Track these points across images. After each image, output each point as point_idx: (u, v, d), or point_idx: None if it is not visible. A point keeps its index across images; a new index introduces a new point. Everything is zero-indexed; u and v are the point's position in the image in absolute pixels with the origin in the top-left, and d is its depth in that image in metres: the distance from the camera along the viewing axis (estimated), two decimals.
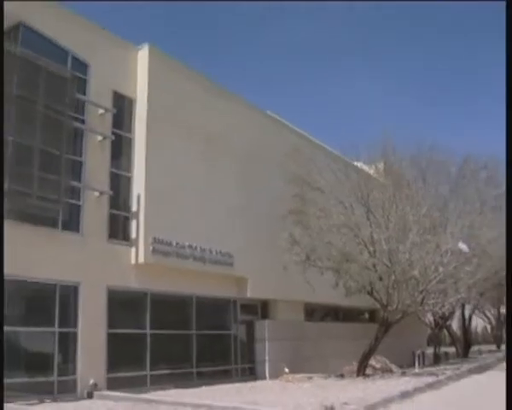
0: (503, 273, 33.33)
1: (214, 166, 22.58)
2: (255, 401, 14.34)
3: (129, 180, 19.92)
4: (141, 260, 19.28)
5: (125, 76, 20.34)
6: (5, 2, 13.42)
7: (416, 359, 27.19)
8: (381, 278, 22.40)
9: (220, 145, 22.93)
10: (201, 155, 22.08)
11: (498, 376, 24.15)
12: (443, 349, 39.04)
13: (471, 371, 24.88)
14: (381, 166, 26.68)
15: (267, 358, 24.19)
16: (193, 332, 21.78)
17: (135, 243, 19.39)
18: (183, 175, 21.04)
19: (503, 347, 48.63)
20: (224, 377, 22.36)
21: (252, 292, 23.74)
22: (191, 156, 21.60)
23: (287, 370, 23.40)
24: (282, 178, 23.32)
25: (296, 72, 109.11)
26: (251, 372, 24.19)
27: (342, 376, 22.92)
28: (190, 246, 20.88)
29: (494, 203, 32.38)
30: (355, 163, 26.45)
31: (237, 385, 20.82)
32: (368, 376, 22.55)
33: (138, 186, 19.76)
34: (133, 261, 19.34)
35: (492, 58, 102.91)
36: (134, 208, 19.62)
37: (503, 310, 51.20)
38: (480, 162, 32.71)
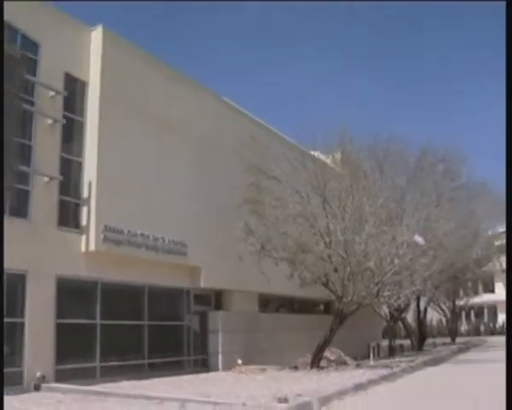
0: (459, 266, 34.47)
1: (169, 153, 22.57)
2: (208, 393, 14.44)
3: (80, 166, 19.78)
4: (91, 248, 19.21)
5: (78, 58, 20.14)
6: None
7: (371, 351, 27.68)
8: (336, 270, 22.72)
9: (176, 132, 22.93)
10: (156, 141, 22.06)
11: (453, 368, 24.92)
12: (398, 342, 39.69)
13: (426, 364, 25.43)
14: (338, 155, 26.95)
15: (220, 349, 24.37)
16: (145, 323, 21.80)
17: (85, 230, 19.30)
18: (136, 161, 21.00)
19: (458, 340, 49.86)
20: (177, 368, 22.47)
21: (205, 282, 23.86)
22: (146, 142, 21.55)
23: (240, 361, 23.64)
24: (238, 166, 23.43)
25: (253, 59, 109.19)
26: (204, 364, 24.32)
27: (296, 368, 23.21)
28: (143, 234, 20.87)
29: (451, 196, 33.22)
30: (312, 152, 26.68)
31: (190, 377, 20.96)
32: (322, 368, 22.88)
33: (90, 172, 19.63)
34: (83, 249, 19.26)
35: (452, 51, 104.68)
36: (85, 195, 19.51)
37: (458, 303, 52.42)
38: (438, 155, 33.47)
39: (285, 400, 12.55)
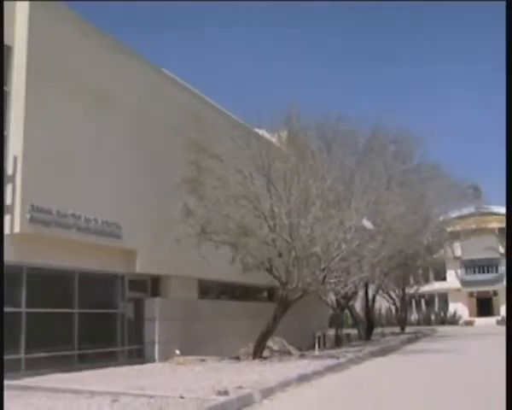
0: (409, 252, 35.11)
1: (104, 127, 22.22)
2: (142, 386, 14.44)
3: (5, 139, 19.31)
4: (16, 229, 18.75)
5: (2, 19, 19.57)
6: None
7: (317, 340, 28.03)
8: (280, 255, 22.80)
9: (112, 104, 22.57)
10: (90, 114, 21.65)
11: (401, 359, 25.44)
12: (345, 331, 40.21)
13: (373, 354, 25.87)
14: (284, 134, 27.00)
15: (157, 339, 24.28)
16: (75, 311, 21.48)
17: (10, 210, 18.80)
18: (68, 136, 20.59)
19: (408, 329, 50.93)
20: (110, 359, 22.28)
21: (141, 267, 23.68)
22: (78, 115, 21.11)
23: (178, 352, 23.59)
24: (177, 142, 23.28)
25: (198, 35, 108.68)
26: (139, 355, 24.21)
27: (238, 358, 23.34)
28: (74, 215, 20.53)
29: (402, 179, 33.77)
30: (256, 130, 26.63)
31: (124, 369, 20.84)
32: (265, 358, 23.08)
33: (15, 146, 19.14)
34: (7, 231, 18.73)
35: (406, 33, 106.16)
36: (10, 171, 19.00)
37: (408, 290, 53.48)
38: (390, 135, 33.88)
39: (225, 392, 12.62)
